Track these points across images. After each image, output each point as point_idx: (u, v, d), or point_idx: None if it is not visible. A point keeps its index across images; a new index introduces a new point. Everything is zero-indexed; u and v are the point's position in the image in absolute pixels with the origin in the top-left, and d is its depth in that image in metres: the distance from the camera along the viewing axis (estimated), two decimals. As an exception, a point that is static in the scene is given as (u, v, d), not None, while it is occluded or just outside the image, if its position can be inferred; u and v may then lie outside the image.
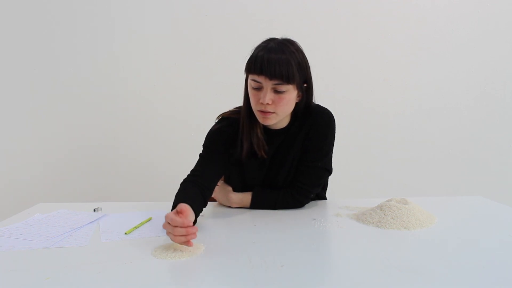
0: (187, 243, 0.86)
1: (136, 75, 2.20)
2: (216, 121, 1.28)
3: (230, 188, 1.27)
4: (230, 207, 1.26)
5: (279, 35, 1.17)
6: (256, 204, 1.23)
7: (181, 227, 0.84)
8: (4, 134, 2.21)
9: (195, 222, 1.02)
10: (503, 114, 2.35)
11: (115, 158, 2.25)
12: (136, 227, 1.05)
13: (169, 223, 0.87)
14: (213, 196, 1.32)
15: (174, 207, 1.02)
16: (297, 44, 1.14)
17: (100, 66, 2.19)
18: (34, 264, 0.82)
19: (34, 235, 1.00)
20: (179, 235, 0.85)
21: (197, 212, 1.04)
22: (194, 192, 1.09)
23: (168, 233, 0.88)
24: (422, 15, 2.25)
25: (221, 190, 1.28)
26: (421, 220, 1.04)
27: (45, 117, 2.21)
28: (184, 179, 1.17)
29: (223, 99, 2.16)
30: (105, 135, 2.24)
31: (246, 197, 1.24)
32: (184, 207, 0.93)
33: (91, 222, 1.12)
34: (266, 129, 1.22)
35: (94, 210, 1.24)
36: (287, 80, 1.06)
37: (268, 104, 1.08)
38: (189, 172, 1.19)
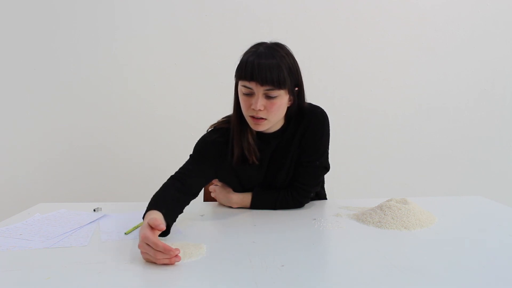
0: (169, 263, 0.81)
1: (136, 75, 2.20)
2: (209, 130, 1.26)
3: (230, 189, 1.27)
4: (230, 207, 1.26)
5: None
6: (256, 205, 1.23)
7: (163, 252, 0.79)
8: (4, 134, 2.21)
9: (168, 231, 0.98)
10: (503, 114, 2.35)
11: (115, 158, 2.25)
12: (136, 227, 1.05)
13: (147, 244, 0.80)
14: (213, 196, 1.32)
15: (151, 206, 0.99)
16: (286, 48, 1.12)
17: (100, 66, 2.19)
18: (34, 264, 0.82)
19: (34, 235, 1.00)
20: (162, 259, 0.79)
21: (170, 222, 0.99)
22: (172, 198, 1.05)
23: (144, 254, 0.82)
24: (422, 15, 2.25)
25: (221, 190, 1.28)
26: (421, 220, 1.04)
27: (45, 117, 2.21)
28: (171, 177, 1.14)
29: (223, 99, 2.15)
30: (105, 135, 2.24)
31: (246, 197, 1.24)
32: (156, 221, 0.85)
33: (91, 222, 1.12)
34: (260, 134, 1.21)
35: (94, 210, 1.24)
36: (279, 86, 1.05)
37: (260, 110, 1.07)
38: (178, 170, 1.17)
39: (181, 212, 1.09)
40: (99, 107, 2.21)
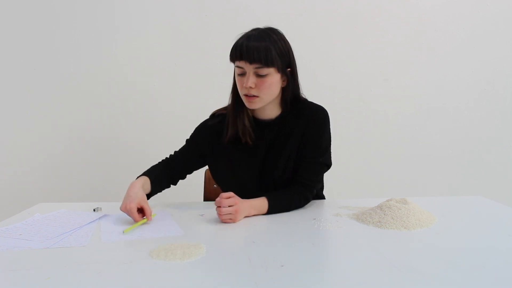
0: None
1: (136, 76, 2.20)
2: (209, 116, 1.34)
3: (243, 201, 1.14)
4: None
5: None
6: (273, 211, 1.17)
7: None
8: (4, 134, 2.21)
9: (151, 195, 1.25)
10: (503, 114, 2.35)
11: (115, 158, 2.25)
12: (134, 226, 1.05)
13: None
14: (229, 218, 1.14)
15: (142, 174, 1.28)
16: (279, 33, 1.18)
17: (100, 66, 2.19)
18: (34, 264, 0.82)
19: (34, 235, 1.00)
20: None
21: (155, 188, 1.25)
22: (161, 173, 1.28)
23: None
24: (422, 15, 2.24)
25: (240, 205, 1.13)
26: (421, 220, 1.04)
27: (45, 117, 2.21)
28: (166, 158, 1.35)
29: (223, 99, 2.15)
30: (105, 136, 2.24)
31: (256, 204, 1.16)
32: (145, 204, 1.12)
33: (91, 222, 1.12)
34: (257, 121, 1.24)
35: (94, 210, 1.24)
36: (266, 63, 1.11)
37: (251, 87, 1.13)
38: (172, 153, 1.36)
39: (168, 186, 1.32)
40: (99, 107, 2.21)
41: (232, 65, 1.18)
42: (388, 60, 2.27)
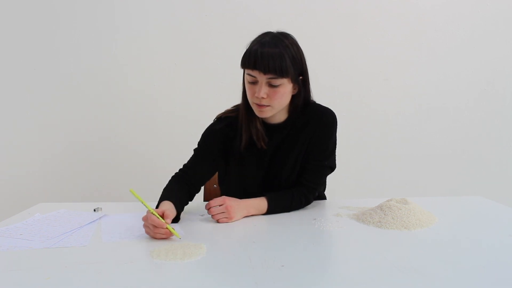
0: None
1: (136, 76, 2.20)
2: (214, 121, 1.30)
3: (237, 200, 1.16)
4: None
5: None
6: (272, 210, 1.18)
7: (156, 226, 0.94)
8: (4, 134, 2.21)
9: (178, 217, 1.11)
10: (503, 114, 2.35)
11: (115, 158, 2.25)
12: (141, 200, 1.01)
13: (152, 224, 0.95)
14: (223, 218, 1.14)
15: (160, 201, 1.11)
16: (291, 38, 1.15)
17: (100, 66, 2.19)
18: (34, 264, 0.82)
19: (35, 235, 1.00)
20: (159, 234, 0.95)
21: (180, 209, 1.12)
22: (179, 190, 1.17)
23: (146, 227, 0.98)
24: (422, 15, 2.24)
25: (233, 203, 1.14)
26: (421, 220, 1.04)
27: (45, 117, 2.21)
28: (175, 173, 1.25)
29: (224, 99, 2.15)
30: (105, 136, 2.23)
31: (255, 203, 1.17)
32: (168, 211, 1.01)
33: (91, 222, 1.12)
34: (266, 124, 1.23)
35: (94, 210, 1.24)
36: (281, 74, 1.08)
37: (263, 97, 1.10)
38: (181, 167, 1.27)
39: (191, 200, 1.23)
40: (99, 107, 2.21)
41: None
42: (388, 60, 2.27)
